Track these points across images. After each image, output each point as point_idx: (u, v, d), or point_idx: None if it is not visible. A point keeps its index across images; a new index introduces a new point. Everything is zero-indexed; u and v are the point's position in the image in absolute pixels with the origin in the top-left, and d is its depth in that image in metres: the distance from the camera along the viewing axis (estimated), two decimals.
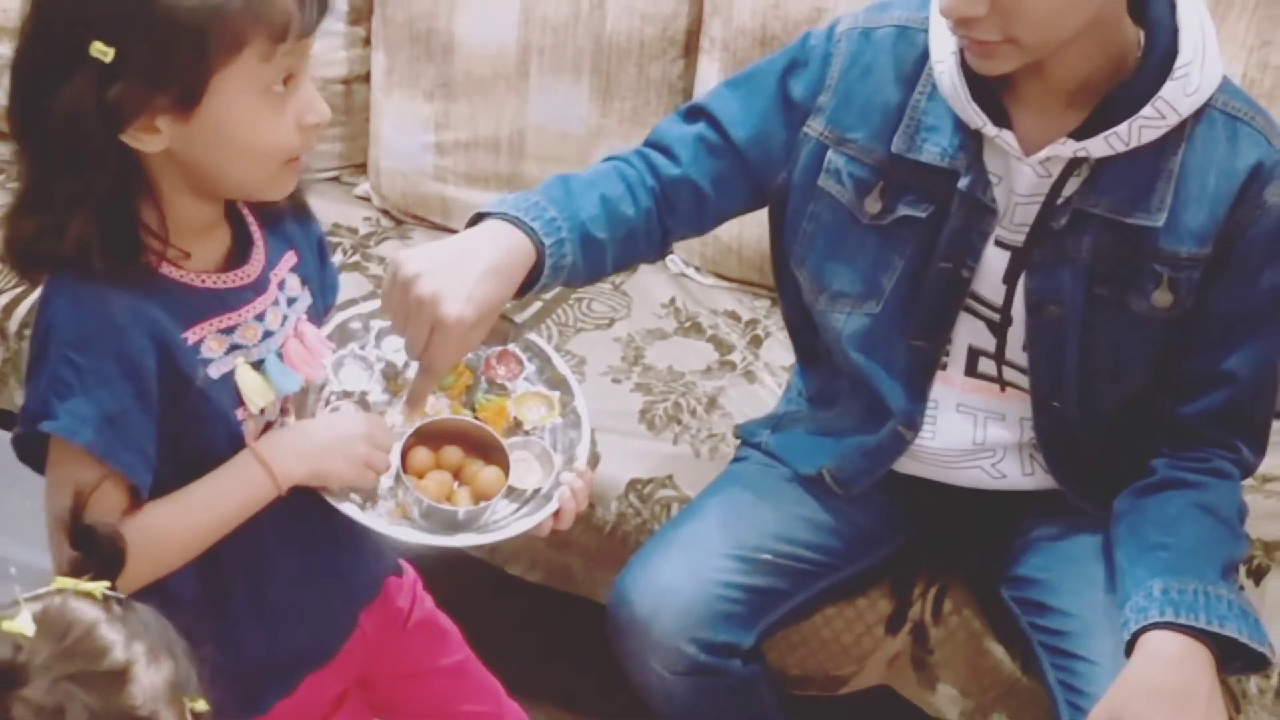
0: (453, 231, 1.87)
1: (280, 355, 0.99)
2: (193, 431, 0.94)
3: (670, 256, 1.86)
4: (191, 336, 0.93)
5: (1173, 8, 1.04)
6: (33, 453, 0.92)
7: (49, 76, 0.85)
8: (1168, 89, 1.02)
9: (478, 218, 1.11)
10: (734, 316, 1.77)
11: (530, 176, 1.81)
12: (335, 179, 2.00)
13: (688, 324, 1.75)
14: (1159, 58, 1.03)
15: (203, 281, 0.94)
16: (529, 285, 1.10)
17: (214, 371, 0.94)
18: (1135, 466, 1.17)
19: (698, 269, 1.84)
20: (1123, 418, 1.18)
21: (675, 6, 1.75)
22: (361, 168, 1.98)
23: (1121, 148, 1.05)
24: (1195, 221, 1.07)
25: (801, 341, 1.35)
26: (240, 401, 0.96)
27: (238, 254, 0.97)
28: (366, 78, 1.92)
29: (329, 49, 1.90)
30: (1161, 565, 1.09)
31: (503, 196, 1.14)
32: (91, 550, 0.74)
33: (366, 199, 1.97)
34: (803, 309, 1.27)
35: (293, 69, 0.90)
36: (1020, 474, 1.24)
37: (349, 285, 1.77)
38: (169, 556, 0.93)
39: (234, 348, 0.95)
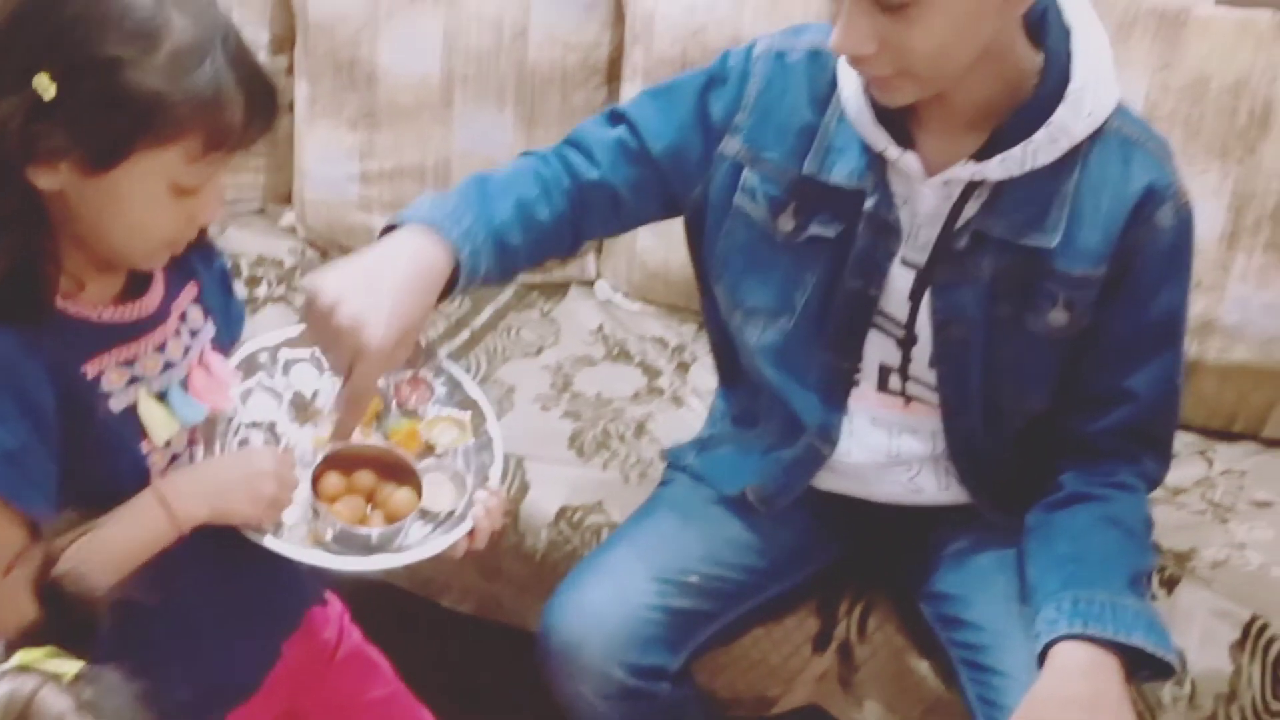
0: None
1: (185, 385, 0.98)
2: (96, 466, 0.93)
3: (599, 283, 1.88)
4: (90, 370, 0.92)
5: (1068, 34, 1.07)
6: None
7: None
8: (1060, 113, 1.05)
9: (391, 226, 1.10)
10: (661, 342, 1.78)
11: None
12: (260, 211, 1.99)
13: (616, 350, 1.76)
14: (1054, 83, 1.05)
15: (99, 314, 0.94)
16: (444, 294, 1.10)
17: (115, 405, 0.94)
18: (1045, 480, 1.19)
19: (626, 295, 1.85)
20: (1030, 433, 1.20)
21: (597, 35, 1.78)
22: (286, 198, 1.97)
23: (1017, 170, 1.07)
24: (1090, 242, 1.09)
25: (723, 362, 1.36)
26: (145, 434, 0.95)
27: (135, 285, 0.97)
28: (290, 108, 1.92)
29: None
30: (1070, 577, 1.11)
31: (419, 200, 1.13)
32: (60, 613, 0.67)
33: (292, 230, 1.96)
34: (723, 325, 1.28)
35: (210, 176, 0.91)
36: (937, 488, 1.26)
37: (275, 318, 1.77)
38: None
39: (135, 380, 0.95)
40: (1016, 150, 1.06)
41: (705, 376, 1.69)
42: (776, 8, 1.64)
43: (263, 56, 1.89)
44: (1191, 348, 1.59)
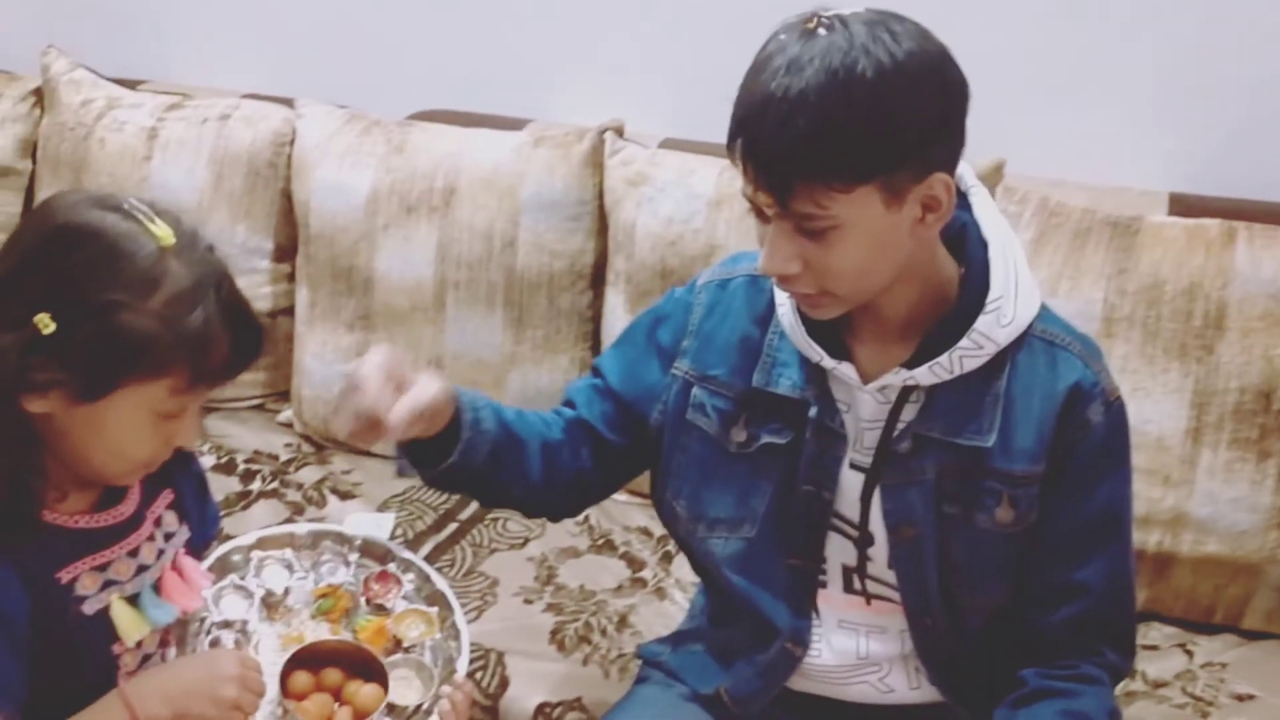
0: (372, 455, 1.91)
1: (156, 588, 1.01)
2: (67, 667, 0.96)
3: None
4: (65, 576, 0.96)
5: (986, 247, 1.13)
6: None
7: None
8: (981, 322, 1.10)
9: None
10: (646, 533, 1.80)
11: None
12: (259, 406, 2.06)
13: (600, 541, 1.79)
14: (974, 294, 1.11)
15: (76, 522, 0.97)
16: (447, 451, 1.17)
17: (88, 608, 0.96)
18: (1011, 675, 1.20)
19: None
20: (994, 629, 1.21)
21: (582, 243, 1.87)
22: (285, 395, 2.04)
23: (946, 376, 1.12)
24: (1025, 441, 1.13)
25: (697, 566, 1.39)
26: (116, 636, 0.98)
27: (112, 493, 1.01)
28: (290, 310, 2.01)
29: (254, 284, 2.00)
30: None
31: None
32: None
33: (289, 425, 2.03)
34: (687, 541, 1.31)
35: (192, 405, 0.96)
36: (907, 687, 1.26)
37: (267, 512, 1.81)
38: None
39: (108, 584, 0.98)
40: (944, 357, 1.11)
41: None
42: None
43: (266, 264, 2.01)
44: (1165, 541, 1.61)
